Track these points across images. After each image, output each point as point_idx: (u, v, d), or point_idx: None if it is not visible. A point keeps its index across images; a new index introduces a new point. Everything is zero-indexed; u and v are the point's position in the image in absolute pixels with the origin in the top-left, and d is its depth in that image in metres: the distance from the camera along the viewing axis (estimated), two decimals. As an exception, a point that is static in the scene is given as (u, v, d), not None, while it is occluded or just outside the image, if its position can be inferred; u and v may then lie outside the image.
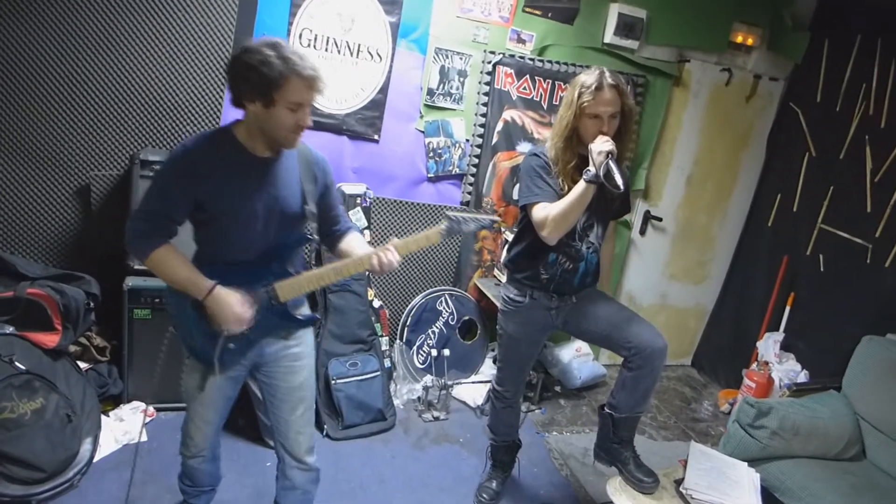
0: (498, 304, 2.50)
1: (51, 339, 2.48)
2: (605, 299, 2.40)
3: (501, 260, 2.51)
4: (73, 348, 2.69)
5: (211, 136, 1.72)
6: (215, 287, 1.67)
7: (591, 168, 2.02)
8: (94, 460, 2.50)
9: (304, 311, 1.95)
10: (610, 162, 1.99)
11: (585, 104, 2.06)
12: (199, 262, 1.75)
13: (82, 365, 2.72)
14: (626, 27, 3.42)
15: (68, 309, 2.53)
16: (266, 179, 1.72)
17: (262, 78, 1.54)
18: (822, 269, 3.62)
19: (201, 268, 1.71)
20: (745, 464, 2.47)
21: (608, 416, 2.33)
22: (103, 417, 2.66)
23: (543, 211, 2.12)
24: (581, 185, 2.04)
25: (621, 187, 1.99)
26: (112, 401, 2.82)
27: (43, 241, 2.86)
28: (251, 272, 1.75)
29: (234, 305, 1.68)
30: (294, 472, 2.02)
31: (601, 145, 2.02)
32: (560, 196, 2.13)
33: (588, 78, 2.08)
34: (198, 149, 1.67)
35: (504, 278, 3.53)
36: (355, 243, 1.94)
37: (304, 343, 1.94)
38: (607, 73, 2.09)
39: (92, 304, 2.63)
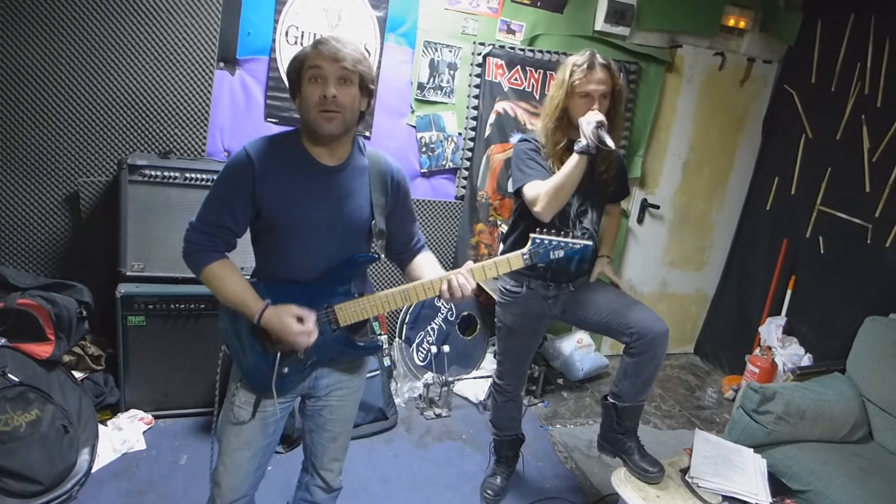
0: (495, 297, 2.46)
1: (44, 350, 2.44)
2: (603, 287, 2.37)
3: (499, 252, 2.46)
4: (67, 358, 2.66)
5: (274, 137, 1.60)
6: (267, 307, 1.54)
7: (583, 139, 2.02)
8: (93, 471, 2.47)
9: (367, 337, 1.77)
10: (600, 130, 1.99)
11: (577, 82, 2.06)
12: (257, 276, 1.66)
13: (77, 374, 2.69)
14: (617, 14, 3.38)
15: (60, 318, 2.49)
16: (330, 190, 1.59)
17: (293, 66, 1.54)
18: (822, 252, 3.59)
19: (257, 284, 1.60)
20: (751, 450, 2.44)
21: (611, 405, 2.31)
22: (101, 427, 2.63)
23: (535, 188, 2.10)
24: (574, 158, 2.02)
25: (613, 146, 2.00)
26: (109, 409, 2.78)
27: (32, 251, 2.83)
28: (309, 292, 1.60)
29: (291, 322, 1.53)
30: (318, 492, 1.92)
31: (590, 116, 2.03)
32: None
33: (579, 58, 2.09)
34: (259, 151, 1.55)
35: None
36: (426, 265, 1.78)
37: (359, 376, 1.82)
38: (598, 54, 2.10)
39: (85, 313, 2.60)
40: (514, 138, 3.46)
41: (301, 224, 1.56)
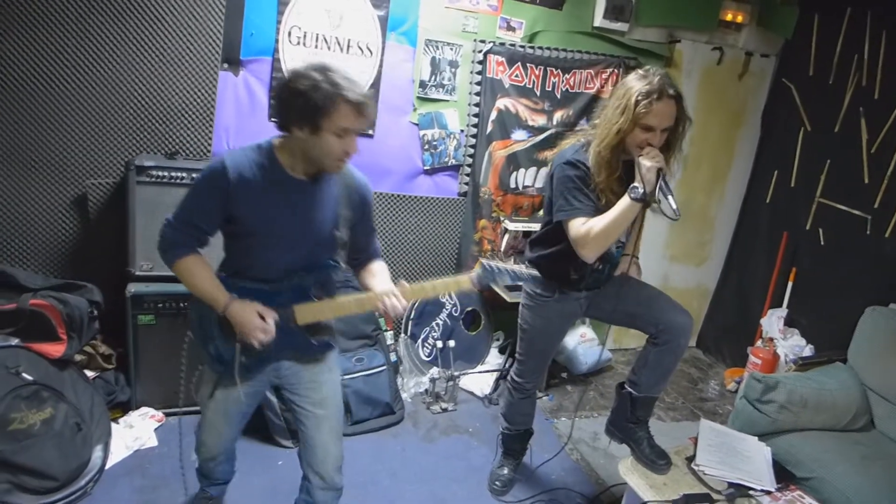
0: (518, 300, 2.44)
1: (56, 349, 2.47)
2: (626, 280, 2.34)
3: (525, 256, 2.42)
4: (78, 357, 2.69)
5: (251, 150, 1.68)
6: (232, 302, 1.67)
7: (639, 186, 1.85)
8: (106, 467, 2.50)
9: (322, 337, 1.88)
10: (662, 182, 1.84)
11: (642, 113, 1.86)
12: (225, 271, 1.78)
13: (89, 373, 2.72)
14: (616, 10, 3.42)
15: (72, 318, 2.52)
16: (302, 201, 1.70)
17: (310, 104, 1.51)
18: (822, 243, 3.62)
19: (226, 278, 1.73)
20: (755, 438, 2.48)
21: (627, 395, 2.33)
22: (113, 424, 2.66)
23: (584, 227, 1.96)
24: (625, 202, 1.88)
25: (677, 216, 1.84)
26: (120, 408, 2.82)
27: (43, 252, 2.86)
28: (273, 292, 1.73)
29: (253, 316, 1.67)
30: (318, 493, 1.97)
31: (650, 160, 1.86)
32: (597, 210, 1.99)
33: (645, 84, 1.87)
34: (235, 162, 1.63)
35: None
36: (377, 273, 1.88)
37: (325, 366, 1.91)
38: (668, 81, 1.89)
39: (95, 313, 2.63)
40: (518, 135, 3.50)
41: (271, 232, 1.68)
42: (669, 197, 1.85)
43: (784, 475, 2.33)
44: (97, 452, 2.48)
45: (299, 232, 1.71)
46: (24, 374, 2.31)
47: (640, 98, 1.85)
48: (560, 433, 3.19)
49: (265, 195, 1.65)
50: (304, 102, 1.51)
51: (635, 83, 1.90)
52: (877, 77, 3.32)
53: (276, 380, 1.90)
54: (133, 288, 2.68)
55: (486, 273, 1.70)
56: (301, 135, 1.58)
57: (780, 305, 3.79)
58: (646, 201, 1.87)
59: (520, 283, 1.76)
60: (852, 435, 2.70)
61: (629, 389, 2.33)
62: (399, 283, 1.75)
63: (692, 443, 2.41)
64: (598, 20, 3.44)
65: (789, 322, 3.72)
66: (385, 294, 1.72)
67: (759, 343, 3.75)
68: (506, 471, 2.73)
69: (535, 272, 1.71)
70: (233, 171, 1.62)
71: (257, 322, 1.67)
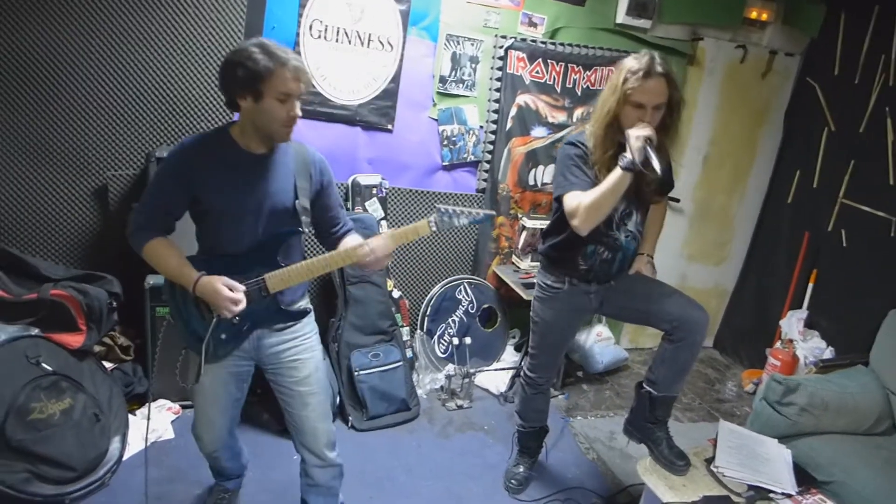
0: (529, 293, 2.45)
1: (76, 340, 2.49)
2: (640, 277, 2.35)
3: (538, 249, 2.44)
4: (97, 348, 2.71)
5: (206, 134, 1.80)
6: (201, 277, 1.72)
7: (628, 154, 1.89)
8: (124, 458, 2.52)
9: (299, 304, 1.95)
10: (648, 148, 1.86)
11: (629, 90, 1.92)
12: (199, 252, 1.85)
13: (107, 364, 2.74)
14: (639, 6, 3.38)
15: (91, 309, 2.54)
16: (258, 175, 1.77)
17: (249, 72, 1.60)
18: (844, 245, 3.57)
19: (198, 261, 1.78)
20: (776, 440, 2.45)
21: (646, 394, 2.31)
22: (130, 416, 2.68)
23: (575, 200, 2.01)
24: (616, 173, 1.91)
25: (659, 172, 1.86)
26: (138, 400, 2.83)
27: (63, 243, 2.88)
28: (243, 264, 1.79)
29: (221, 290, 1.71)
30: (316, 471, 2.04)
31: (639, 130, 1.90)
32: (595, 186, 2.02)
33: (636, 63, 1.94)
34: (193, 147, 1.75)
35: (524, 264, 3.53)
36: (352, 242, 1.92)
37: (303, 336, 1.95)
38: (658, 60, 1.94)
39: (114, 304, 2.65)
40: (538, 132, 3.49)
41: (233, 207, 1.75)
42: (654, 160, 1.85)
43: (804, 478, 2.30)
44: (115, 444, 2.50)
45: (259, 204, 1.77)
46: (44, 364, 2.33)
47: (628, 75, 1.93)
48: (576, 432, 3.17)
49: (223, 173, 1.74)
50: (244, 72, 1.60)
51: (626, 63, 1.98)
52: (904, 77, 3.26)
53: (257, 359, 1.94)
54: (152, 280, 2.68)
55: (441, 216, 1.79)
56: (246, 105, 1.66)
57: (800, 307, 3.74)
58: (634, 170, 1.90)
59: (478, 223, 1.85)
60: (874, 439, 2.66)
61: (648, 389, 2.31)
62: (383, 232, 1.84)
63: (711, 444, 2.38)
64: (621, 17, 3.40)
65: (809, 324, 3.67)
66: (369, 240, 1.80)
67: (778, 345, 3.70)
68: (521, 469, 2.72)
69: (490, 211, 1.79)
70: (192, 153, 1.73)
71: (226, 293, 1.71)
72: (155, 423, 2.72)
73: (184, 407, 2.87)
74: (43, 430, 2.23)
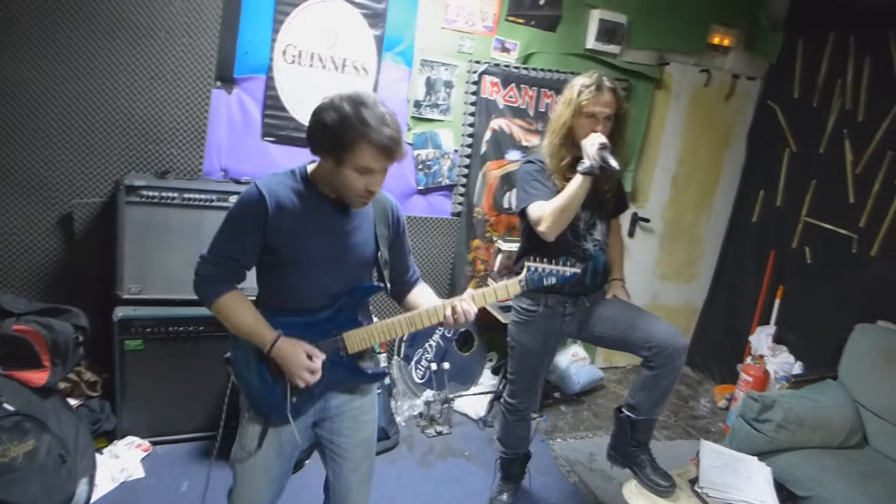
0: (507, 317, 2.45)
1: (39, 377, 2.37)
2: (617, 302, 2.39)
3: (495, 269, 2.46)
4: (62, 384, 2.58)
5: (285, 175, 1.62)
6: (279, 338, 1.57)
7: (586, 161, 2.07)
8: (91, 501, 2.39)
9: (372, 364, 1.78)
10: (604, 151, 2.04)
11: (584, 102, 2.12)
12: (263, 307, 1.65)
13: (72, 401, 2.62)
14: (608, 32, 3.46)
15: (56, 344, 2.42)
16: (338, 225, 1.63)
17: (335, 137, 1.47)
18: (808, 262, 3.68)
19: (265, 314, 1.61)
20: (756, 458, 2.48)
21: (626, 418, 2.31)
22: (98, 455, 2.55)
23: (539, 208, 2.13)
24: (577, 179, 2.07)
25: (616, 166, 2.06)
26: (105, 437, 2.70)
27: (26, 275, 2.75)
28: (318, 321, 1.64)
29: (301, 356, 1.57)
30: None
31: (594, 139, 2.08)
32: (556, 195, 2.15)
33: (587, 79, 2.15)
34: (272, 189, 1.56)
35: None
36: (424, 295, 1.82)
37: (369, 396, 1.81)
38: (605, 77, 2.17)
39: (81, 338, 2.53)
40: (512, 155, 3.52)
41: (311, 258, 1.60)
42: (611, 159, 2.04)
43: (785, 494, 2.33)
44: (82, 486, 2.37)
45: (341, 256, 1.64)
46: (6, 405, 2.20)
47: (582, 89, 2.14)
48: (556, 455, 3.16)
49: (303, 221, 1.58)
50: (330, 134, 1.47)
51: (578, 80, 2.19)
52: (860, 100, 3.41)
53: (321, 413, 1.75)
54: (120, 312, 2.58)
55: (532, 274, 1.73)
56: (326, 164, 1.54)
57: (767, 323, 3.84)
58: (593, 173, 2.06)
59: (563, 283, 1.78)
60: (848, 452, 2.73)
61: (627, 413, 2.32)
62: (466, 292, 1.70)
63: (694, 464, 2.40)
64: (591, 42, 3.48)
65: (778, 339, 3.76)
66: (454, 300, 1.65)
67: (748, 360, 3.78)
68: (505, 496, 2.69)
69: (576, 269, 1.76)
70: (270, 198, 1.54)
71: (305, 362, 1.57)
72: (124, 461, 2.60)
73: (154, 443, 2.75)
74: (5, 475, 2.10)
